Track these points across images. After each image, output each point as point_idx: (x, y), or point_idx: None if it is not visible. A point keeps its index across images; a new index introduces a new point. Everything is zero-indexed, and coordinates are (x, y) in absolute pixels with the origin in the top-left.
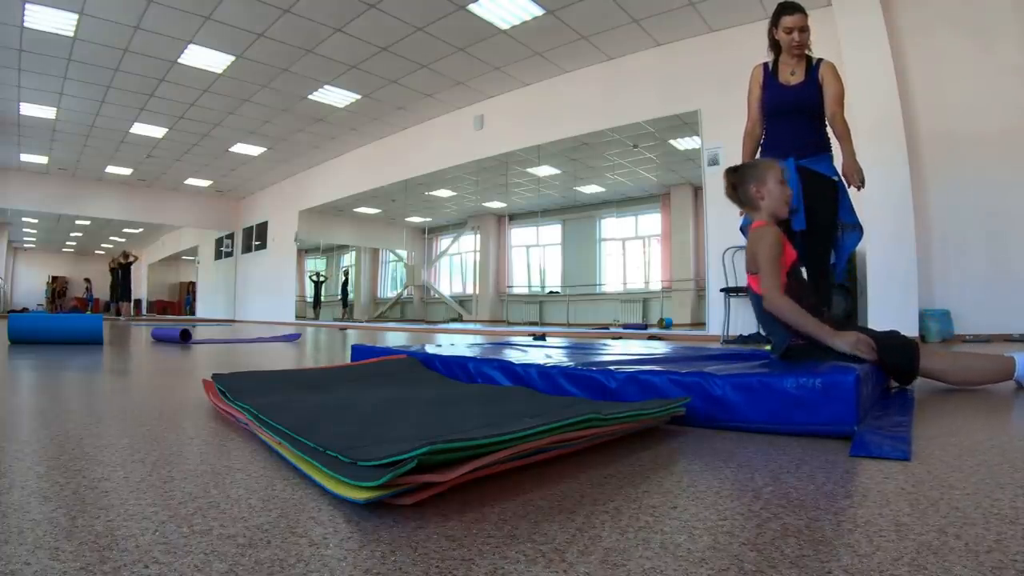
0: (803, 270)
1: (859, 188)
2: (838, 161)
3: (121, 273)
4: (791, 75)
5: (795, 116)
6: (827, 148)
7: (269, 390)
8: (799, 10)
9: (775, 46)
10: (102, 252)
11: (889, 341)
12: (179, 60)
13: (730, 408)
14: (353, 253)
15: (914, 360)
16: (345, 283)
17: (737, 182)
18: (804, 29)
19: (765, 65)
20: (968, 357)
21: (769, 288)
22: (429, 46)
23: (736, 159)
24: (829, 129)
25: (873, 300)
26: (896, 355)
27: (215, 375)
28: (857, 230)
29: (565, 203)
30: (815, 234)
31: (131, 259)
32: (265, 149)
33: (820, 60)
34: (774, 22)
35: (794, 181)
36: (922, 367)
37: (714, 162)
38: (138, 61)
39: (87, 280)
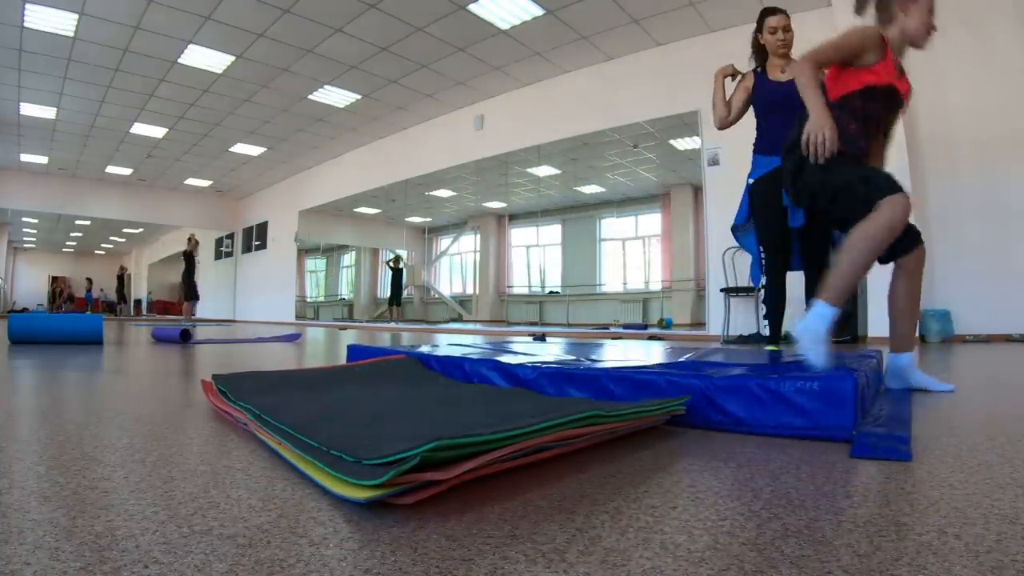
0: (888, 110)
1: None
2: None
3: (185, 265)
4: (781, 73)
5: (789, 112)
6: None
7: (270, 390)
8: (782, 11)
9: (760, 52)
10: (102, 252)
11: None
12: (179, 60)
13: (728, 411)
14: (353, 253)
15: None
16: (398, 276)
17: None
18: (788, 29)
19: (754, 71)
20: (907, 307)
21: (807, 54)
22: (429, 46)
23: (736, 159)
24: None
25: (873, 300)
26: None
27: (215, 375)
28: None
29: (565, 203)
30: (814, 232)
31: (194, 246)
32: (265, 149)
33: None
34: (758, 27)
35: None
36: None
37: (714, 162)
38: (138, 61)
39: (88, 280)
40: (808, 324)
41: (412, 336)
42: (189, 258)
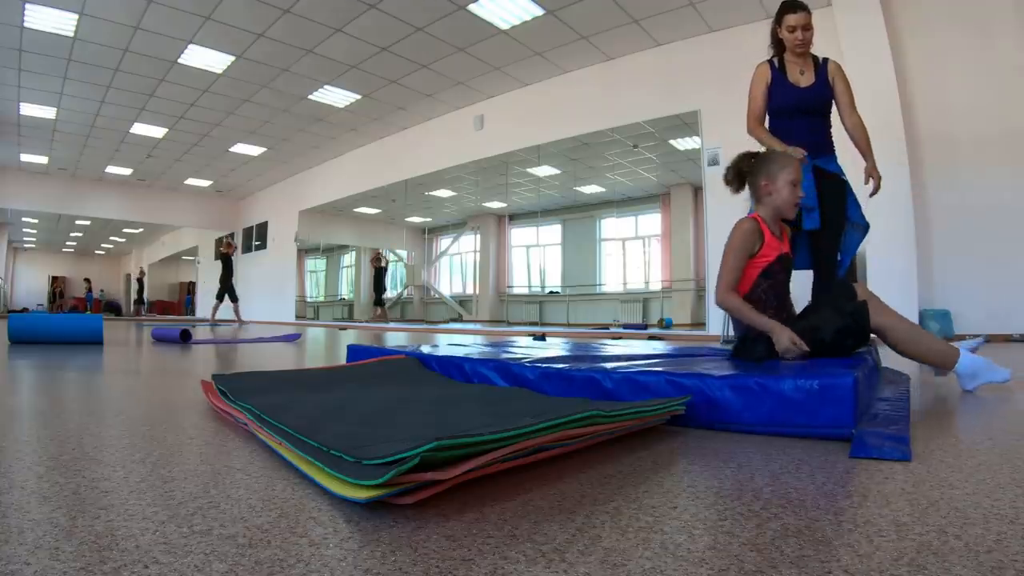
0: (786, 272)
1: (873, 193)
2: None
3: (222, 267)
4: (800, 75)
5: (807, 117)
6: (833, 148)
7: (270, 390)
8: (803, 8)
9: (778, 44)
10: (102, 252)
11: (839, 320)
12: (179, 60)
13: (728, 409)
14: (353, 253)
15: (864, 333)
16: (380, 274)
17: (747, 169)
18: (808, 27)
19: (771, 63)
20: (916, 330)
21: (719, 282)
22: (429, 46)
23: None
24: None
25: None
26: (847, 341)
27: (215, 375)
28: (861, 229)
29: (565, 203)
30: (825, 233)
31: (232, 248)
32: (265, 149)
33: (826, 59)
34: (777, 20)
35: (810, 181)
36: (873, 322)
37: (714, 162)
38: (138, 61)
39: (86, 280)
40: None
41: (411, 336)
42: (227, 260)
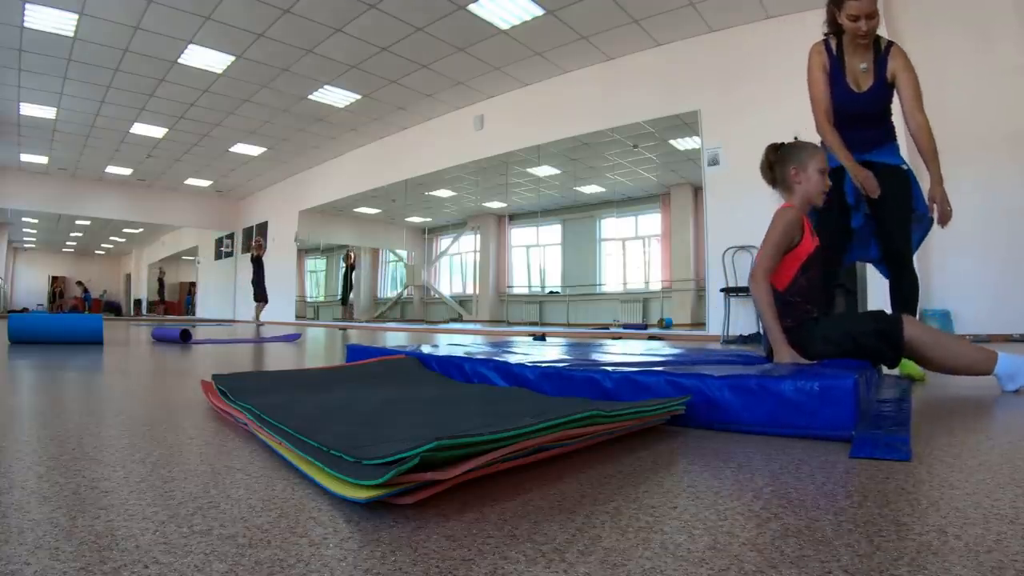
0: (820, 266)
1: (944, 223)
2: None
3: (254, 268)
4: (860, 71)
5: (863, 121)
6: (893, 137)
7: (270, 390)
8: None
9: (836, 28)
10: (102, 252)
11: (870, 337)
12: (179, 60)
13: (728, 410)
14: (353, 253)
15: (899, 343)
16: (347, 273)
17: (776, 160)
18: (872, 15)
19: (826, 43)
20: (951, 339)
21: (756, 267)
22: (429, 46)
23: (736, 159)
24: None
25: (873, 300)
26: (882, 345)
27: (215, 375)
28: (926, 220)
29: (565, 203)
30: (889, 225)
31: (263, 250)
32: (265, 149)
33: (889, 46)
34: (836, 3)
35: (850, 182)
36: (907, 336)
37: (714, 162)
38: (138, 61)
39: (79, 283)
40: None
41: (411, 336)
42: (258, 262)
